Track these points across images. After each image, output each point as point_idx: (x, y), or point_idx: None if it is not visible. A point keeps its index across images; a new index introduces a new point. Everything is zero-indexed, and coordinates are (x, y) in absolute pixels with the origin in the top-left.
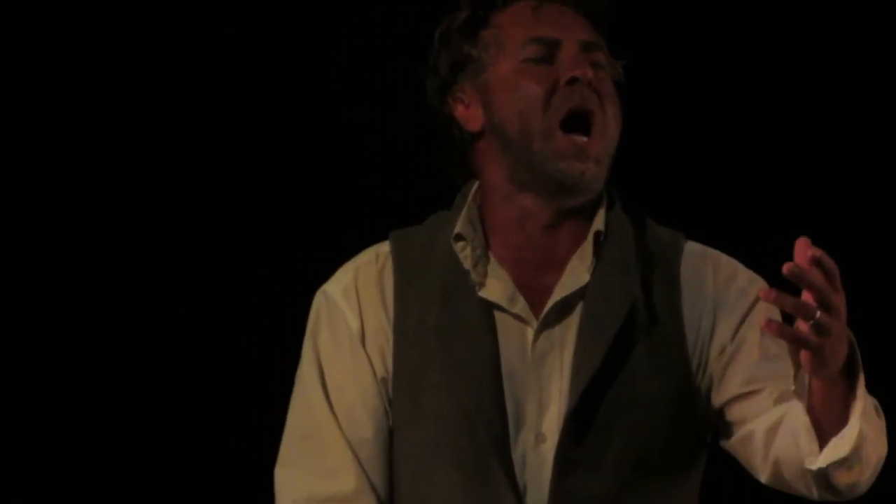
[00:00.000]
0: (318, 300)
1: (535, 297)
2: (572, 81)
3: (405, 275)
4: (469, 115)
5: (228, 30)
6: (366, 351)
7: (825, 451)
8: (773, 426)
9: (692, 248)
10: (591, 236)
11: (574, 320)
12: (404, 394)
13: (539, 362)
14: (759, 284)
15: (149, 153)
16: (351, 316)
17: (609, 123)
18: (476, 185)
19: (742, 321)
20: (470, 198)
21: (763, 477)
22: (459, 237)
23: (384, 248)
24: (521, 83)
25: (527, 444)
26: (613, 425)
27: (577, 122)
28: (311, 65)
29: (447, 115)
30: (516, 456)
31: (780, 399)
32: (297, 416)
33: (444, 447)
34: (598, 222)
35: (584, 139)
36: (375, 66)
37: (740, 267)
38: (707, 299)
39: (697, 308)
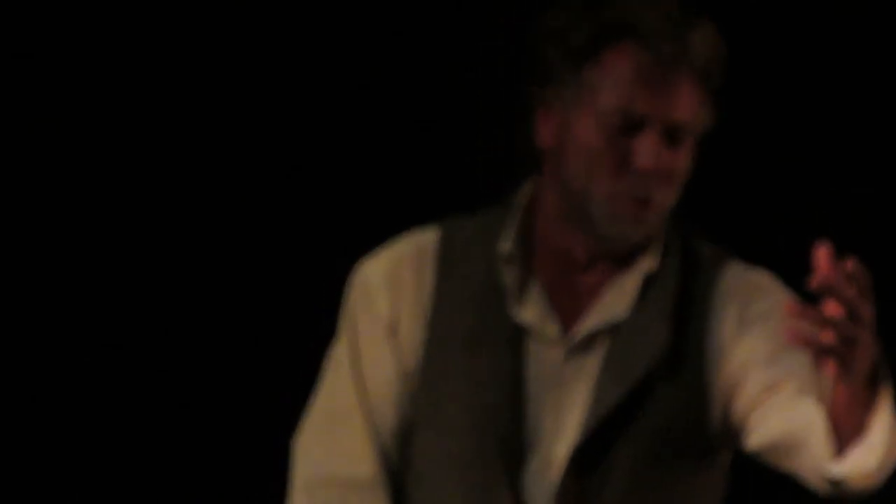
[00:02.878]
0: (358, 279)
1: (568, 322)
2: (643, 170)
3: (445, 276)
4: (543, 129)
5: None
6: (397, 342)
7: (848, 461)
8: (790, 424)
9: (734, 274)
10: (640, 275)
11: (602, 352)
12: (424, 396)
13: (561, 389)
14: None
15: (156, 147)
16: (386, 304)
17: (670, 198)
18: (533, 185)
19: (761, 335)
20: (525, 205)
21: (755, 449)
22: (510, 257)
23: (431, 240)
24: (595, 148)
25: (536, 470)
26: (621, 462)
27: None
28: (317, 58)
29: (528, 108)
30: (524, 479)
31: (799, 396)
32: (326, 392)
33: (453, 459)
34: (652, 262)
35: (644, 205)
36: (379, 59)
37: (776, 288)
38: (733, 325)
39: (724, 336)
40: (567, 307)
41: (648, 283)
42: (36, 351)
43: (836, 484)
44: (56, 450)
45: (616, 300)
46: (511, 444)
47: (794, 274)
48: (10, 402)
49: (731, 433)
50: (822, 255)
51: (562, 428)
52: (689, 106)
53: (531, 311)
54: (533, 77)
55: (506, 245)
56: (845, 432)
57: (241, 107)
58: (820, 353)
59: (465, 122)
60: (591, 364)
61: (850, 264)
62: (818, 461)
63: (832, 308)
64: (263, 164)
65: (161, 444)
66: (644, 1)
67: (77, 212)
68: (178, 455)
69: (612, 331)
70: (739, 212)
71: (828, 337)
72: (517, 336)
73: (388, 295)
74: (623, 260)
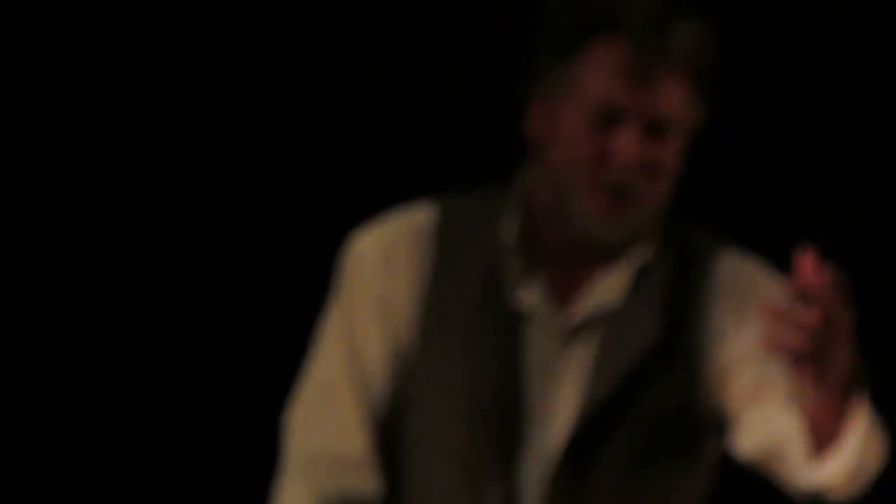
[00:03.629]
0: (352, 252)
1: (564, 310)
2: (620, 162)
3: (443, 258)
4: (535, 120)
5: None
6: (389, 318)
7: (824, 469)
8: (774, 434)
9: (730, 265)
10: (633, 265)
11: (592, 342)
12: (417, 377)
13: (555, 376)
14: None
15: (150, 138)
16: (380, 281)
17: (649, 196)
18: (531, 171)
19: (755, 332)
20: (524, 191)
21: (745, 458)
22: (511, 247)
23: (428, 218)
24: (577, 139)
25: (528, 455)
26: (614, 450)
27: (617, 191)
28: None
29: (523, 98)
30: (516, 464)
31: (785, 402)
32: (318, 367)
33: (446, 442)
34: (647, 253)
35: (622, 204)
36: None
37: (771, 282)
38: (728, 319)
39: (718, 328)
40: (563, 295)
41: (642, 273)
42: (36, 351)
43: (813, 492)
44: (56, 450)
45: (609, 289)
46: (504, 429)
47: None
48: (9, 402)
49: (720, 424)
50: (805, 261)
51: (555, 415)
52: (672, 100)
53: (529, 299)
54: (526, 68)
55: (510, 233)
56: (822, 439)
57: (242, 88)
58: (796, 359)
59: (461, 106)
60: (585, 352)
61: (832, 272)
62: (797, 469)
63: (811, 315)
64: (265, 148)
65: (154, 424)
66: None
67: (77, 212)
68: (173, 436)
69: (606, 320)
70: (739, 211)
71: (804, 343)
72: (514, 322)
73: (381, 270)
74: (618, 249)
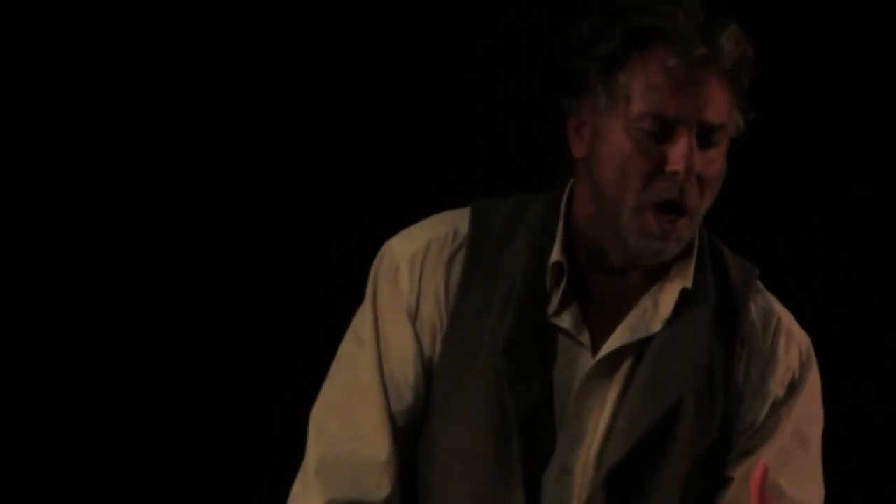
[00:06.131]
0: (385, 257)
1: (601, 330)
2: (675, 172)
3: (477, 265)
4: (576, 141)
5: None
6: (416, 327)
7: None
8: None
9: (760, 301)
10: (676, 289)
11: (629, 365)
12: (442, 384)
13: (584, 395)
14: (810, 376)
15: (156, 144)
16: (409, 287)
17: (703, 206)
18: (569, 188)
19: (777, 412)
20: (563, 207)
21: None
22: (557, 266)
23: (464, 225)
24: (628, 155)
25: (550, 472)
26: (650, 484)
27: (671, 205)
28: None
29: (560, 121)
30: (540, 482)
31: None
32: (344, 367)
33: (467, 451)
34: (687, 275)
35: (673, 218)
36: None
37: (797, 342)
38: (747, 385)
39: (749, 375)
40: (601, 315)
41: (685, 296)
42: (36, 351)
43: None
44: (56, 450)
45: (650, 313)
46: (533, 445)
47: (792, 274)
48: (10, 403)
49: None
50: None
51: (581, 434)
52: (719, 107)
53: (567, 318)
54: (564, 87)
55: (557, 254)
56: None
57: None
58: None
59: (490, 125)
60: (620, 374)
61: None
62: None
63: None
64: (301, 154)
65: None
66: (670, 5)
67: (77, 212)
68: (184, 434)
69: (644, 343)
70: (739, 211)
71: None
72: (551, 339)
73: (412, 278)
74: (658, 269)
